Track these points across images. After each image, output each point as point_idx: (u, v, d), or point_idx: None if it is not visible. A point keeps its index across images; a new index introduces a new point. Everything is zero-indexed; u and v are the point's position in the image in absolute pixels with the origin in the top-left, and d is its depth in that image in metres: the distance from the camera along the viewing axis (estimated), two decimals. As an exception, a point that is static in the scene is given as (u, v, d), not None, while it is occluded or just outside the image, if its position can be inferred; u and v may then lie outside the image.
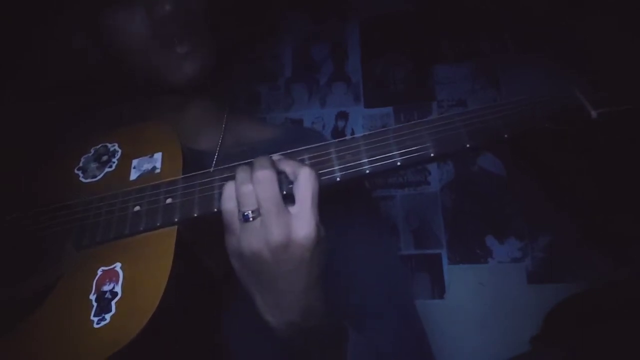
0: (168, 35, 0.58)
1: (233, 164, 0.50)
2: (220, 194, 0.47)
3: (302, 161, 0.47)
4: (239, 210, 0.44)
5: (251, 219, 0.43)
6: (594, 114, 0.44)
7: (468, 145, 0.45)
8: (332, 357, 0.50)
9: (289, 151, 0.49)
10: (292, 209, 0.43)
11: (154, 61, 0.59)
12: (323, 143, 0.49)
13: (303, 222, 0.42)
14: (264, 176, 0.43)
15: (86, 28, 0.61)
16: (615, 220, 1.12)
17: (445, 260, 1.24)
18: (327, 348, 0.50)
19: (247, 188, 0.43)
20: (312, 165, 0.47)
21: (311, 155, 0.48)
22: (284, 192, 0.45)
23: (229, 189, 0.45)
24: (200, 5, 0.61)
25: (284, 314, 0.45)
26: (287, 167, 0.46)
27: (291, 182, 0.45)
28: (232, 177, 0.48)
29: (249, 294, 0.46)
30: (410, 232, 1.28)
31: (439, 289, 1.23)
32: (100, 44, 0.61)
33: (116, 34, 0.58)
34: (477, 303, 1.19)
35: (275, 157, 0.48)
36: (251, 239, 0.43)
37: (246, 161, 0.48)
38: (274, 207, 0.42)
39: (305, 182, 0.43)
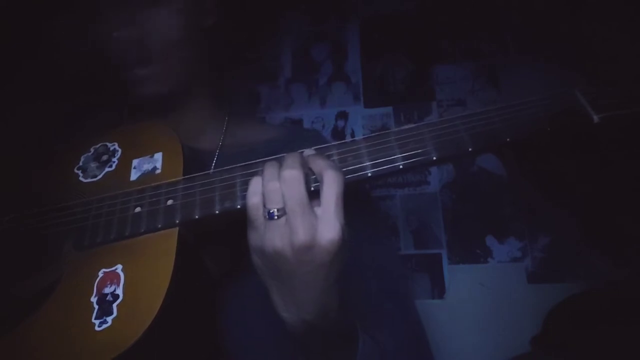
0: (124, 57, 0.60)
1: (233, 166, 0.49)
2: (221, 195, 0.47)
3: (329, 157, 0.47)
4: (264, 207, 0.44)
5: (276, 217, 0.43)
6: (595, 118, 0.44)
7: (470, 149, 0.45)
8: (343, 356, 0.50)
9: (275, 157, 0.48)
10: (318, 211, 0.43)
11: (121, 76, 0.61)
12: (324, 145, 0.49)
13: (328, 226, 0.42)
14: (291, 176, 0.43)
15: (82, 33, 0.62)
16: (615, 220, 1.12)
17: (445, 260, 1.24)
18: (339, 347, 0.50)
19: (274, 185, 0.43)
20: None
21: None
22: (312, 189, 0.44)
23: (256, 184, 0.45)
24: (163, 31, 0.61)
25: (300, 312, 0.45)
26: (315, 166, 0.45)
27: (318, 181, 0.45)
28: (232, 179, 0.48)
29: (267, 289, 0.46)
30: (410, 232, 1.28)
31: (439, 289, 1.23)
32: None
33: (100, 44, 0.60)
34: (477, 303, 1.19)
35: (307, 152, 0.48)
36: (275, 237, 0.43)
37: (275, 156, 0.48)
38: (299, 208, 0.42)
39: (331, 185, 0.43)
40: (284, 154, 0.46)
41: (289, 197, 0.43)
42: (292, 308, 0.45)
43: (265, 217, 0.43)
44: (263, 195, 0.44)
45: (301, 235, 0.41)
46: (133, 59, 0.60)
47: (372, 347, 0.52)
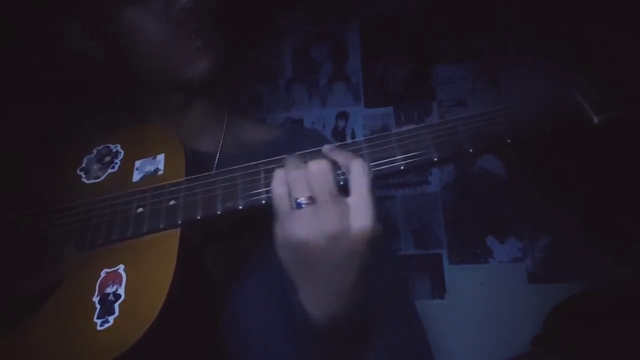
0: (185, 29, 0.58)
1: (234, 167, 0.50)
2: (223, 196, 0.47)
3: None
4: (291, 197, 0.43)
5: (303, 206, 0.42)
6: (595, 119, 0.44)
7: (471, 150, 0.45)
8: (354, 355, 0.50)
9: (297, 153, 0.48)
10: (349, 200, 0.42)
11: (168, 57, 0.59)
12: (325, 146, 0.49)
13: (361, 212, 0.41)
14: (319, 165, 0.43)
15: (95, 27, 0.61)
16: (615, 220, 1.12)
17: (445, 261, 1.24)
18: (352, 346, 0.50)
19: (298, 174, 0.43)
20: None
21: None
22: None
23: (279, 174, 0.44)
24: (214, 0, 0.61)
25: (328, 306, 0.44)
26: (340, 157, 0.45)
27: (343, 173, 0.45)
28: (234, 179, 0.48)
29: (295, 285, 0.45)
30: (410, 232, 1.28)
31: (439, 289, 1.23)
32: (106, 43, 0.61)
33: (132, 31, 0.58)
34: (477, 303, 1.20)
35: (327, 147, 0.47)
36: (305, 226, 0.42)
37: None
38: (329, 196, 0.42)
39: (360, 173, 0.43)
40: (286, 155, 0.46)
41: (319, 187, 0.42)
42: (321, 303, 0.44)
43: (292, 206, 0.43)
44: (288, 185, 0.44)
45: (333, 223, 0.41)
46: (192, 29, 0.58)
47: (383, 348, 0.52)
